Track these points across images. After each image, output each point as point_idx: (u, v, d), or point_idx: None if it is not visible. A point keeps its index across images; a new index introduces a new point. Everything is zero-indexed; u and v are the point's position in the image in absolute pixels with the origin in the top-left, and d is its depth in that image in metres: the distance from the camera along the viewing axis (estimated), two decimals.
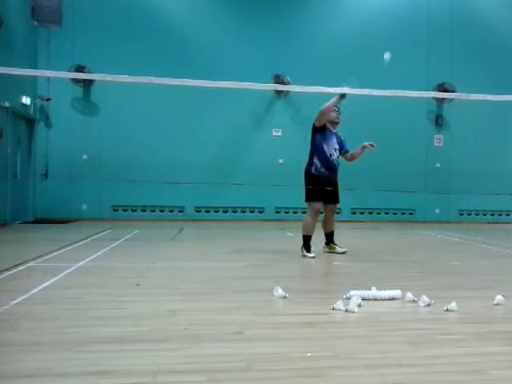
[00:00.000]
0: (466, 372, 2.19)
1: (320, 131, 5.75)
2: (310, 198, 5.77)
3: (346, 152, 6.01)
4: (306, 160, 5.87)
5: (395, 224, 11.00)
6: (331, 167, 5.75)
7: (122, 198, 10.69)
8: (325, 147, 5.71)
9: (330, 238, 6.03)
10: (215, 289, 3.86)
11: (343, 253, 5.90)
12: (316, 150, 5.75)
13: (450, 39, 11.71)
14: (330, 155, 5.73)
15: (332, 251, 5.97)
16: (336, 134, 5.90)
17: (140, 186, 10.22)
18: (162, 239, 7.39)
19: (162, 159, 10.61)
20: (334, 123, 5.85)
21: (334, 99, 5.61)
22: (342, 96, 5.59)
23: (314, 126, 5.80)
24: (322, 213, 5.95)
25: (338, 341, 2.61)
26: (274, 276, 4.41)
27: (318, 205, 5.75)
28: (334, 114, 5.82)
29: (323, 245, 6.07)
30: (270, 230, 9.18)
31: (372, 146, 5.87)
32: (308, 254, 5.63)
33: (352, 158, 6.04)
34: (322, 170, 5.71)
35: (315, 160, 5.73)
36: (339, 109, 5.88)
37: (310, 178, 5.77)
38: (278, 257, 5.72)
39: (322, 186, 5.66)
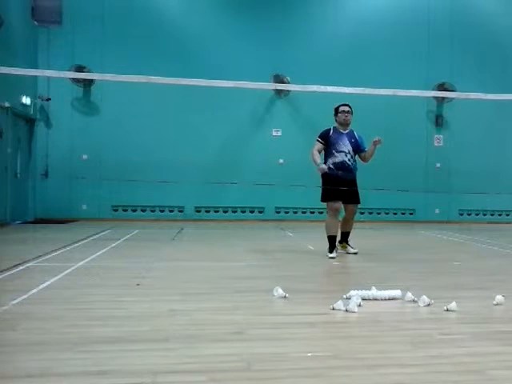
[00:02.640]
0: (466, 372, 2.19)
1: (325, 144, 5.80)
2: (325, 197, 5.77)
3: (362, 151, 5.85)
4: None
5: (395, 224, 11.00)
6: (345, 168, 5.72)
7: (122, 198, 10.69)
8: (334, 152, 5.72)
9: (344, 237, 6.05)
10: (215, 289, 3.86)
11: (355, 253, 5.89)
12: (328, 154, 5.78)
13: (450, 39, 11.70)
14: (343, 158, 5.71)
15: (344, 250, 5.99)
16: (349, 134, 5.81)
17: (140, 186, 10.22)
18: (161, 239, 7.38)
19: (162, 159, 10.61)
20: (343, 125, 5.82)
21: (317, 164, 5.68)
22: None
23: None
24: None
25: (338, 341, 2.61)
26: (274, 276, 4.41)
27: (335, 204, 5.70)
28: (342, 117, 5.79)
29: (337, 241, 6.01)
30: (270, 230, 9.18)
31: (378, 141, 5.65)
32: (328, 254, 5.59)
33: (365, 158, 5.89)
34: (336, 170, 5.70)
35: (329, 162, 5.74)
36: (349, 110, 5.79)
37: (325, 177, 5.76)
38: (278, 257, 5.73)
39: (337, 186, 5.63)
